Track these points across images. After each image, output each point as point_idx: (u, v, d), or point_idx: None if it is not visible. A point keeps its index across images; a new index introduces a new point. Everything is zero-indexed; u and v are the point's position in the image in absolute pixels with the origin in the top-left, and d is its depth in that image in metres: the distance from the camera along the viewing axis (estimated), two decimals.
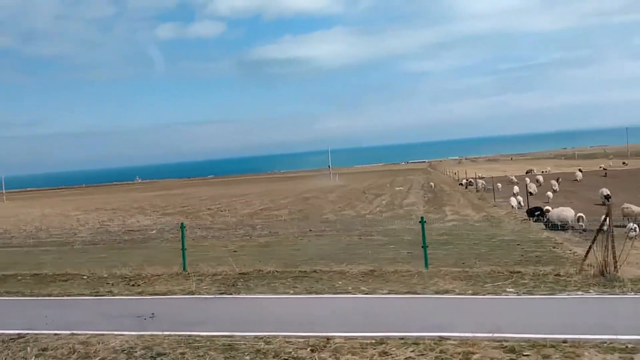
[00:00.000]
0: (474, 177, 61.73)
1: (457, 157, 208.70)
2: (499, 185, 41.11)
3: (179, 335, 8.69)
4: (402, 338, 7.88)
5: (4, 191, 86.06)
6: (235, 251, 19.85)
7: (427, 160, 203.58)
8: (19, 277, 15.01)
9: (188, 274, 14.04)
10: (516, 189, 35.56)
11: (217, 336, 8.57)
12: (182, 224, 16.15)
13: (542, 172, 67.72)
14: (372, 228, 24.29)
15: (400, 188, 53.89)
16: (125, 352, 8.19)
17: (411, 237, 21.14)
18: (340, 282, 12.15)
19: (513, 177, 54.15)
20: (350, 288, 11.42)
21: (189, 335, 8.65)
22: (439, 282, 11.69)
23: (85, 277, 14.53)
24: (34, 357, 8.20)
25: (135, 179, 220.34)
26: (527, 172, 67.24)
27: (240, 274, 13.74)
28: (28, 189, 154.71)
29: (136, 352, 8.13)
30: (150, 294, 12.09)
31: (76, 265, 16.35)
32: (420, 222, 14.45)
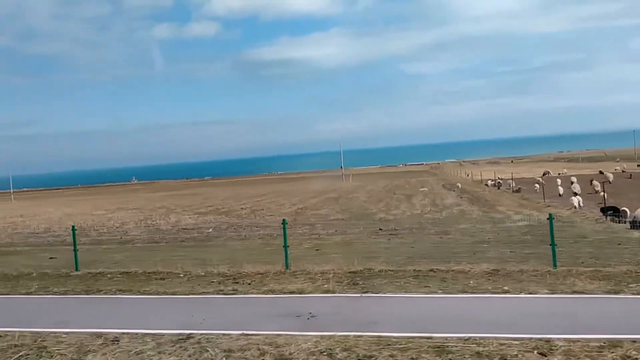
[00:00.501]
0: (494, 178, 61.58)
1: (454, 160, 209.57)
2: (537, 185, 40.83)
3: (370, 337, 8.07)
4: (634, 341, 7.34)
5: (11, 190, 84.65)
6: (317, 249, 19.29)
7: (425, 163, 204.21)
8: (109, 275, 14.40)
9: (293, 272, 13.46)
10: (577, 187, 35.19)
11: (414, 337, 7.95)
12: (284, 220, 15.45)
13: (559, 174, 67.74)
14: (443, 227, 23.79)
15: (424, 189, 53.51)
16: (324, 353, 7.59)
17: (491, 236, 20.76)
18: (471, 282, 11.64)
19: (540, 179, 53.98)
20: (489, 287, 10.96)
21: (379, 336, 8.04)
22: (577, 282, 11.20)
23: (181, 275, 13.87)
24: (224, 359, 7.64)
25: (131, 180, 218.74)
26: (543, 174, 67.16)
27: (350, 272, 13.17)
28: (24, 189, 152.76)
29: (337, 354, 7.52)
30: (283, 293, 11.45)
31: (153, 263, 15.79)
32: (548, 218, 13.97)
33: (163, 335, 8.62)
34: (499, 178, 61.72)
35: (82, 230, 31.18)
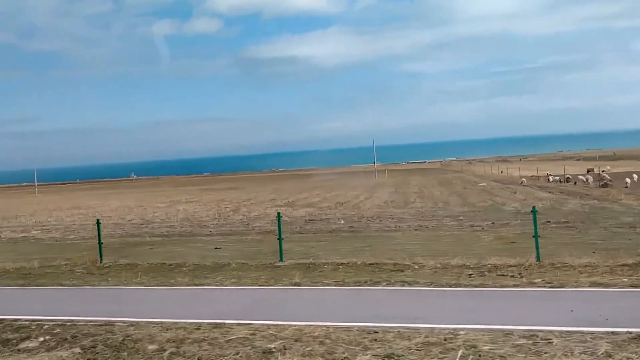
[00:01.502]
0: (537, 175, 61.22)
1: (453, 158, 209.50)
2: (628, 180, 40.20)
3: None
4: None
5: (35, 184, 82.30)
6: (513, 242, 17.95)
7: (427, 161, 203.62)
8: (325, 266, 13.42)
9: (552, 264, 12.38)
10: None
11: None
12: (533, 209, 14.37)
13: (602, 171, 67.47)
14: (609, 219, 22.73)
15: (483, 184, 52.75)
16: None
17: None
18: None
19: (605, 173, 53.48)
20: None
21: None
22: None
23: (415, 266, 12.85)
24: None
25: (130, 176, 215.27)
26: (588, 171, 66.89)
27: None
28: (32, 183, 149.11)
29: None
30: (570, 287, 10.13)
31: (367, 253, 14.98)
32: None
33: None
34: (548, 174, 61.23)
35: (190, 222, 29.83)
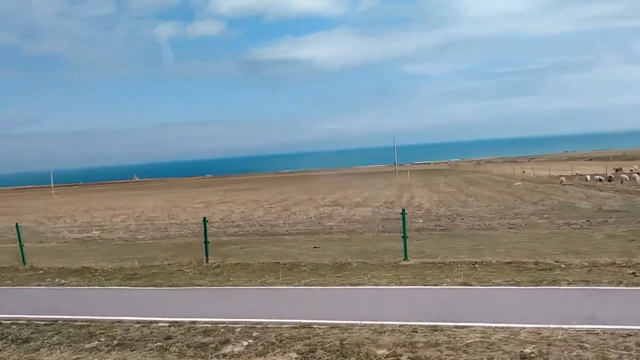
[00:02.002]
0: (575, 174, 60.79)
1: (457, 159, 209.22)
2: None
3: None
4: None
5: (52, 185, 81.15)
6: (632, 240, 17.14)
7: (432, 162, 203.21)
8: (459, 265, 12.54)
9: None
10: None
11: None
12: None
13: (630, 170, 67.22)
14: None
15: (519, 184, 52.16)
16: None
17: None
18: None
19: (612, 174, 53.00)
20: None
21: None
22: None
23: (561, 265, 11.99)
24: None
25: (133, 177, 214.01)
26: (616, 170, 66.50)
27: None
28: (42, 185, 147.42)
29: None
30: None
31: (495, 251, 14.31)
32: None
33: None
34: (576, 173, 60.92)
35: (252, 222, 29.00)
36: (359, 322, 8.15)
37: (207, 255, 15.46)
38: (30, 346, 8.01)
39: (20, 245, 17.16)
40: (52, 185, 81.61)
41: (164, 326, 8.59)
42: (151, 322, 8.84)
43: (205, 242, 15.71)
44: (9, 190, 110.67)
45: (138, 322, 8.89)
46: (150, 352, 7.49)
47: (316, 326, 8.08)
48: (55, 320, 9.37)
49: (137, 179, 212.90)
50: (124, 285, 12.44)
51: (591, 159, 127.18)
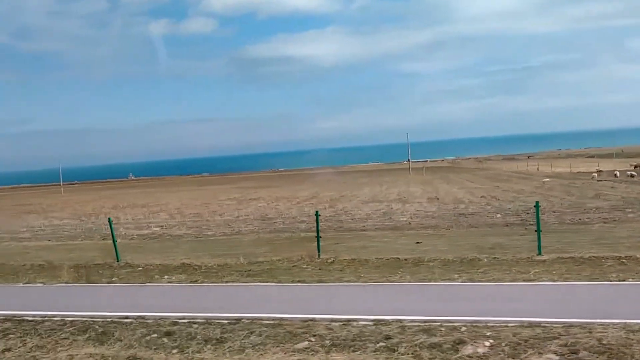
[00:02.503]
0: (597, 170, 60.92)
1: (454, 157, 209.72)
2: None
3: None
4: None
5: (61, 183, 79.77)
6: None
7: (428, 160, 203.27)
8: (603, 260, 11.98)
9: None
10: None
11: None
12: None
13: None
14: None
15: (547, 179, 52.10)
16: None
17: None
18: None
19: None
20: None
21: None
22: None
23: None
24: None
25: (128, 176, 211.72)
26: (635, 167, 66.79)
27: None
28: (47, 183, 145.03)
29: None
30: None
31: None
32: None
33: None
34: (597, 169, 61.11)
35: (312, 218, 28.35)
36: (586, 320, 7.47)
37: (319, 251, 14.94)
38: (230, 347, 7.37)
39: (114, 241, 16.45)
40: (62, 183, 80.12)
41: (368, 325, 7.92)
42: (349, 320, 8.17)
43: (318, 237, 15.17)
44: (15, 189, 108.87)
45: (332, 320, 8.22)
46: (375, 353, 6.86)
47: (547, 325, 7.40)
48: (239, 319, 8.72)
49: (132, 178, 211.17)
50: (248, 282, 11.80)
51: (593, 156, 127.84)
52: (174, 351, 7.32)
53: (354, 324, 8.10)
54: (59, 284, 12.88)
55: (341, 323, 8.19)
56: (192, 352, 7.24)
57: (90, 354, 7.37)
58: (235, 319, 8.70)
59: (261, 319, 8.72)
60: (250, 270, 13.62)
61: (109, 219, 18.06)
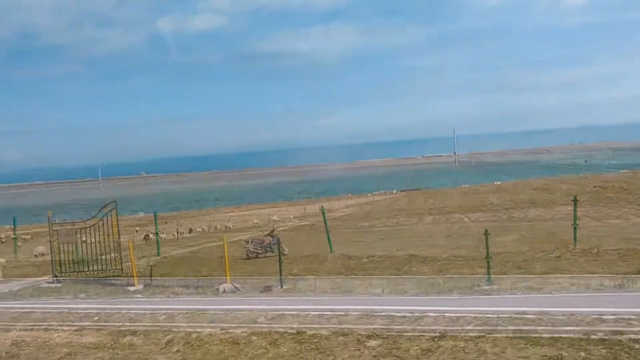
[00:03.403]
0: None
1: (468, 152, 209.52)
2: None
3: None
4: None
5: (100, 179, 79.50)
6: None
7: (442, 155, 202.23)
8: None
9: None
10: None
11: None
12: None
13: None
14: None
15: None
16: None
17: None
18: None
19: None
20: None
21: None
22: None
23: None
24: None
25: (140, 174, 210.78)
26: None
27: None
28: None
29: None
30: None
31: None
32: None
33: None
34: None
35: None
36: None
37: (575, 240, 14.98)
38: None
39: (327, 232, 16.37)
40: (100, 178, 79.77)
41: None
42: None
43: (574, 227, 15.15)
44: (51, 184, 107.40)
45: None
46: None
47: None
48: None
49: (144, 175, 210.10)
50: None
51: (617, 151, 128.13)
52: None
53: None
54: None
55: None
56: None
57: None
58: None
59: None
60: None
61: (321, 207, 17.94)
